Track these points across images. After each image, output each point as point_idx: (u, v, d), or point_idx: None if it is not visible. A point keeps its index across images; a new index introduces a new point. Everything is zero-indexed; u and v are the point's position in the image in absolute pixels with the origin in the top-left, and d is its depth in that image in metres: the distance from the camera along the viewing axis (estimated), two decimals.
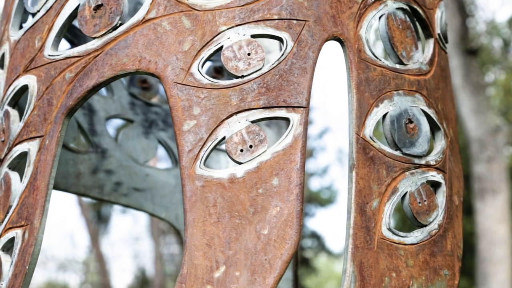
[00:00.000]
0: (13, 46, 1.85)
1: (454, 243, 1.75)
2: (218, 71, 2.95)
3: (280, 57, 1.62)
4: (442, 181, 1.76)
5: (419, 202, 1.69)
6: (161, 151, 2.96)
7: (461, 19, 9.43)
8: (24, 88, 1.79)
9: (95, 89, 1.66)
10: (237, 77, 1.60)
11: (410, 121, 1.71)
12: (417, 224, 1.70)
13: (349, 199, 1.61)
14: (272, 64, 1.61)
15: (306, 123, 1.60)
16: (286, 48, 1.62)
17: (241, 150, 1.57)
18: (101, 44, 1.66)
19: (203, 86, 1.60)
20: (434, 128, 1.80)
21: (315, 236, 19.65)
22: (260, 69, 1.60)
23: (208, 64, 2.96)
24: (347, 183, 1.64)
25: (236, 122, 1.57)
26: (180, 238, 3.03)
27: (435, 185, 1.76)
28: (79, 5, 1.72)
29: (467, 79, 9.19)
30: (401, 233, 1.66)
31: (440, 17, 1.93)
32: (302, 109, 1.59)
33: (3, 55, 1.92)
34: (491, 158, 9.06)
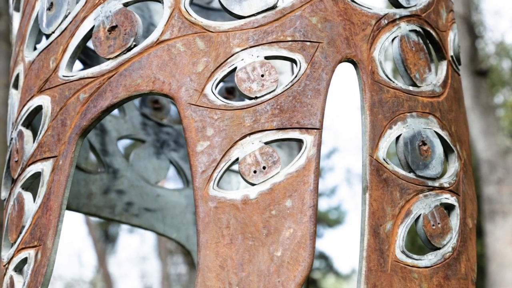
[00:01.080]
0: (28, 67, 1.86)
1: (468, 266, 1.74)
2: (230, 92, 2.96)
3: (294, 78, 1.62)
4: (455, 203, 1.75)
5: (433, 225, 1.68)
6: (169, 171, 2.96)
7: (471, 41, 9.45)
8: (38, 109, 1.80)
9: (109, 110, 1.67)
10: (251, 98, 1.60)
11: (424, 143, 1.71)
12: (431, 247, 1.69)
13: (362, 221, 1.61)
14: (286, 86, 1.61)
15: (319, 144, 1.59)
16: (299, 70, 1.63)
17: (255, 172, 1.57)
18: (115, 65, 1.67)
19: (217, 107, 1.60)
20: (447, 150, 1.80)
21: (323, 257, 19.56)
22: (274, 90, 1.60)
23: (220, 84, 2.97)
24: (361, 205, 1.63)
25: (249, 143, 1.57)
26: (187, 259, 3.03)
27: (449, 207, 1.75)
28: (93, 26, 1.73)
29: (477, 100, 9.18)
30: (415, 256, 1.65)
31: (453, 39, 1.93)
32: (315, 130, 1.59)
33: (17, 75, 1.93)
34: (501, 179, 9.02)
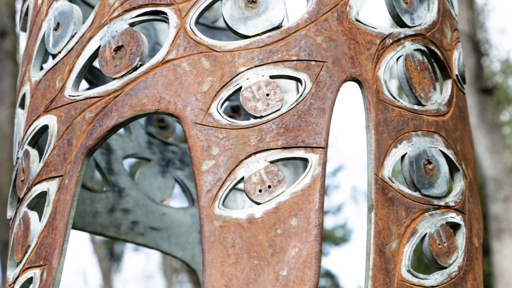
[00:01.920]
0: (34, 87, 1.87)
1: (474, 286, 1.73)
2: (235, 110, 2.97)
3: (299, 97, 1.62)
4: (461, 222, 1.75)
5: (439, 244, 1.68)
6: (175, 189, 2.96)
7: (476, 58, 9.46)
8: (44, 128, 1.80)
9: (114, 129, 1.68)
10: (256, 117, 1.61)
11: (429, 162, 1.71)
12: (437, 266, 1.68)
13: (368, 240, 1.60)
14: (291, 105, 1.62)
15: (325, 163, 1.60)
16: (304, 89, 1.63)
17: (260, 191, 1.57)
18: (121, 84, 1.68)
19: (222, 126, 1.60)
20: (453, 169, 1.79)
21: (329, 275, 19.49)
22: (279, 109, 1.61)
23: (225, 103, 2.97)
24: (366, 224, 1.63)
25: (254, 162, 1.58)
26: (193, 277, 3.02)
27: (455, 226, 1.75)
28: (99, 46, 1.74)
29: (482, 118, 9.18)
30: (420, 275, 1.64)
31: (458, 58, 1.94)
32: (320, 149, 1.59)
33: (24, 95, 1.94)
34: (508, 197, 8.99)
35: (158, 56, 1.68)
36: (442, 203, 1.71)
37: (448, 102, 1.84)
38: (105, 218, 2.64)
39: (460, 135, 1.85)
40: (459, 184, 1.80)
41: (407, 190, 1.67)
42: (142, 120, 2.87)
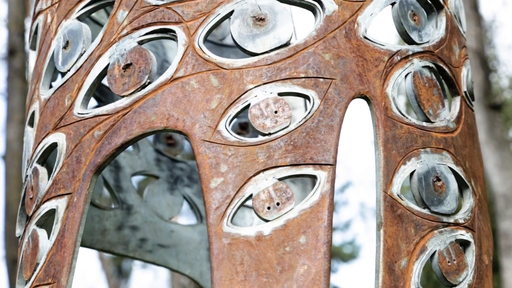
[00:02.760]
0: (43, 105, 1.88)
1: None
2: (243, 127, 2.97)
3: (307, 115, 1.63)
4: (471, 240, 1.74)
5: (448, 262, 1.67)
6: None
7: (484, 74, 9.45)
8: (53, 146, 1.81)
9: (123, 146, 1.68)
10: (264, 134, 1.61)
11: (438, 179, 1.70)
12: (447, 284, 1.67)
13: (377, 258, 1.59)
14: (299, 122, 1.62)
15: (333, 180, 1.59)
16: (312, 106, 1.63)
17: (268, 208, 1.56)
18: (130, 102, 1.69)
19: (230, 144, 1.60)
20: (462, 186, 1.79)
21: None
22: (287, 126, 1.61)
23: (234, 120, 2.97)
24: (375, 241, 1.62)
25: (263, 180, 1.58)
26: None
27: (464, 244, 1.74)
28: (108, 64, 1.74)
29: (491, 134, 9.15)
30: None
31: (466, 75, 1.94)
32: (329, 166, 1.59)
33: (33, 113, 1.95)
34: None
35: (167, 74, 1.68)
36: (451, 220, 1.70)
37: (456, 119, 1.83)
38: (113, 236, 2.63)
39: (469, 151, 1.85)
40: (469, 201, 1.79)
41: (416, 207, 1.66)
42: (150, 138, 2.87)
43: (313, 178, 1.60)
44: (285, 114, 1.61)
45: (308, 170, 1.59)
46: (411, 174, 1.68)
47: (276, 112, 1.61)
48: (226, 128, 1.61)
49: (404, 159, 1.67)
